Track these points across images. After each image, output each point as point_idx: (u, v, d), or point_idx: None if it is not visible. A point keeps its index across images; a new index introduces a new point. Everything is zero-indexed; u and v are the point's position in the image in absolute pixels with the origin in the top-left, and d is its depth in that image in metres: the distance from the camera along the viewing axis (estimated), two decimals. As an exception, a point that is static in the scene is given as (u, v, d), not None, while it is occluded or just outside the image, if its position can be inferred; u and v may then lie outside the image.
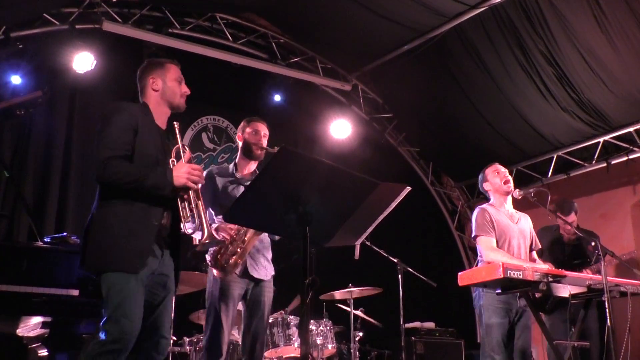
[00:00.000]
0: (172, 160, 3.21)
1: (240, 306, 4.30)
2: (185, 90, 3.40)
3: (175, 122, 3.31)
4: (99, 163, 3.02)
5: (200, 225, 3.17)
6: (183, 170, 3.10)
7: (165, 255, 3.20)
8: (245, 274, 4.17)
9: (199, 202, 3.17)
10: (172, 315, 3.28)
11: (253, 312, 4.21)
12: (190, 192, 3.15)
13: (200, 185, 3.19)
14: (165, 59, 3.53)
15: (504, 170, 4.88)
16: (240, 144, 4.43)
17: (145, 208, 3.08)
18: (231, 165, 4.43)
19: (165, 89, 3.33)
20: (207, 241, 3.18)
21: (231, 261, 3.99)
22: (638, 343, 6.10)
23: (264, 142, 4.36)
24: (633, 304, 4.31)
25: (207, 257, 4.21)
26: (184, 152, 3.24)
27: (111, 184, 3.05)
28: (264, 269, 4.29)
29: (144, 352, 3.09)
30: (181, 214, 3.16)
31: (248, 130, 4.36)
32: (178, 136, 3.28)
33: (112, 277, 2.97)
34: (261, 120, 4.49)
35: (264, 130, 4.40)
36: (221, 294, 4.09)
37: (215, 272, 4.05)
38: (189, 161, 3.23)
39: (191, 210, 3.16)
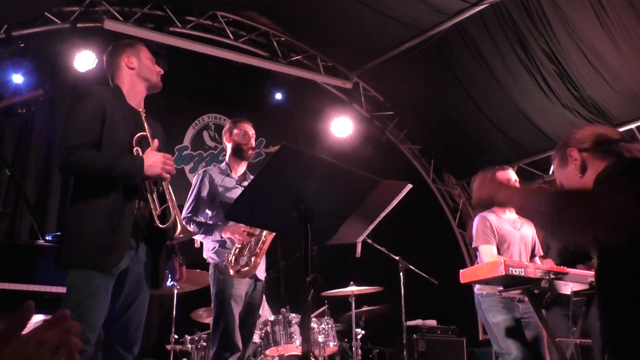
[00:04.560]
0: (137, 149, 3.02)
1: None
2: (159, 69, 3.29)
3: (141, 110, 3.15)
4: (63, 151, 2.87)
5: (173, 218, 3.01)
6: (156, 159, 2.95)
7: (140, 250, 3.03)
8: None
9: (171, 193, 3.04)
10: (145, 313, 3.13)
11: (250, 313, 4.22)
12: (164, 184, 3.02)
13: (169, 176, 3.03)
14: (133, 39, 3.42)
15: (513, 179, 4.82)
16: (229, 145, 4.44)
17: (120, 200, 2.91)
18: (223, 165, 4.43)
19: (141, 67, 3.21)
20: (181, 235, 3.02)
21: (252, 262, 4.00)
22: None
23: (253, 143, 4.42)
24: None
25: (212, 257, 4.21)
26: (151, 141, 3.07)
27: (76, 173, 2.92)
28: (263, 268, 4.32)
29: (115, 351, 2.98)
30: (151, 207, 3.00)
31: (236, 131, 4.40)
32: (145, 124, 3.09)
33: (75, 274, 2.84)
34: (247, 121, 4.54)
35: (251, 130, 4.44)
36: (232, 294, 4.07)
37: (232, 272, 4.01)
38: (159, 150, 3.08)
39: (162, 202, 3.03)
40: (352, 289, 5.88)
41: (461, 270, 4.30)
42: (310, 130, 8.56)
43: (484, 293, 4.58)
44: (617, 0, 6.05)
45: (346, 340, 6.25)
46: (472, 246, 4.78)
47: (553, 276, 4.04)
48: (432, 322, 7.41)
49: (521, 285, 4.15)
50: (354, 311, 5.84)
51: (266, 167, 2.49)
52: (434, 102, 8.37)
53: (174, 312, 5.37)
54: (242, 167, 4.43)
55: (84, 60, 6.53)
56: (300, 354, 5.28)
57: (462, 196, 9.48)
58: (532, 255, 4.87)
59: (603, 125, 2.49)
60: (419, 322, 7.28)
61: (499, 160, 5.64)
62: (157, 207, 2.99)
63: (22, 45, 6.43)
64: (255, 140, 8.05)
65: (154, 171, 2.93)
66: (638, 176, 2.11)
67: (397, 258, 5.85)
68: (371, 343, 6.94)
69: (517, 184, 4.83)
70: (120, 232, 2.90)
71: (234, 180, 4.34)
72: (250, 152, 4.36)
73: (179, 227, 3.00)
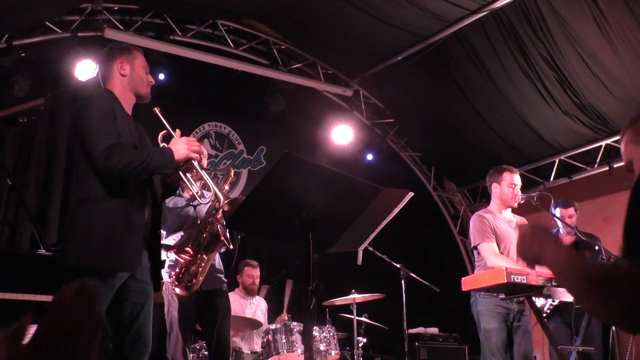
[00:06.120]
0: (163, 145, 3.13)
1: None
2: (151, 79, 3.26)
3: (155, 108, 3.27)
4: (100, 153, 2.80)
5: (214, 193, 3.27)
6: (181, 144, 3.04)
7: (143, 257, 3.02)
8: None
9: (204, 171, 3.17)
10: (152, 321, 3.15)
11: (212, 322, 4.40)
12: (195, 163, 3.11)
13: (202, 157, 3.17)
14: (130, 44, 3.41)
15: (518, 184, 4.83)
16: None
17: (129, 205, 2.92)
18: None
19: (133, 75, 3.17)
20: (226, 202, 3.27)
21: (194, 280, 4.20)
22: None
23: (205, 162, 4.54)
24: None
25: (167, 276, 4.39)
26: (174, 131, 3.19)
27: (118, 172, 2.83)
28: (215, 280, 4.51)
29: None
30: (192, 190, 3.21)
31: None
32: (164, 120, 3.20)
33: (83, 275, 2.76)
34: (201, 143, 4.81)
35: (204, 151, 4.62)
36: (180, 315, 4.35)
37: (178, 290, 4.22)
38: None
39: (199, 182, 3.22)
40: (354, 296, 5.86)
41: (463, 278, 4.29)
42: (311, 138, 8.57)
43: (482, 293, 4.57)
44: (616, 6, 6.06)
45: (348, 348, 6.23)
46: (472, 245, 4.76)
47: (555, 284, 4.02)
48: (434, 330, 7.39)
49: (523, 293, 4.14)
50: (355, 319, 5.82)
51: (268, 175, 2.49)
52: (434, 109, 8.38)
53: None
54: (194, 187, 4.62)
55: (85, 69, 6.53)
56: (302, 362, 5.27)
57: (463, 203, 9.47)
58: None
59: None
60: (420, 329, 7.26)
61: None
62: (198, 189, 3.20)
63: (23, 54, 6.44)
64: (256, 148, 8.23)
65: (182, 154, 3.01)
66: None
67: (398, 266, 5.83)
68: (373, 351, 6.93)
69: (520, 194, 4.82)
70: (138, 233, 2.94)
71: (184, 199, 4.55)
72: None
73: (221, 198, 3.27)
